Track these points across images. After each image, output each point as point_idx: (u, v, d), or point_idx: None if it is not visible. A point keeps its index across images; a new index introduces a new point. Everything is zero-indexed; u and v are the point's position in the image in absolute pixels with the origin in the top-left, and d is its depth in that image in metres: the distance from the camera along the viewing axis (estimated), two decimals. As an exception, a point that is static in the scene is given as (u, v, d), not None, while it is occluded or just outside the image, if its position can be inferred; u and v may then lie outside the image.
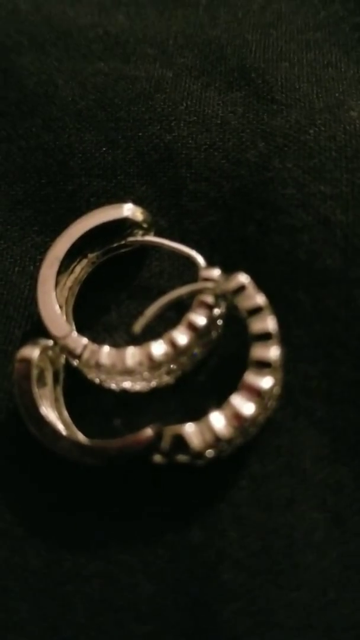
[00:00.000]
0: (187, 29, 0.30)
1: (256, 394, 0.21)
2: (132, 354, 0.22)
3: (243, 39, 0.29)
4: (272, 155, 0.25)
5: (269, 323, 0.22)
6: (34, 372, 0.22)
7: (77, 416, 0.23)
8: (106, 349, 0.22)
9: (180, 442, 0.21)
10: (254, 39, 0.29)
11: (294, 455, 0.21)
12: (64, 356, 0.23)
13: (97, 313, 0.24)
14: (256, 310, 0.22)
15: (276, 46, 0.29)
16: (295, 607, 0.20)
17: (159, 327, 0.23)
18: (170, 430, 0.21)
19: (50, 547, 0.22)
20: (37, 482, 0.22)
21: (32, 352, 0.22)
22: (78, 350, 0.23)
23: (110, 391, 0.23)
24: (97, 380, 0.23)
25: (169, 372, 0.23)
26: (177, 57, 0.29)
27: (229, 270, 0.23)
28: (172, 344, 0.22)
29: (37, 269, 0.24)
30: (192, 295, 0.23)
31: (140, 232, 0.25)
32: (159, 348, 0.22)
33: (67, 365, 0.23)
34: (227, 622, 0.20)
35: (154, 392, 0.23)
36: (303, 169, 0.25)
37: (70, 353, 0.23)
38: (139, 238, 0.25)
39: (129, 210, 0.24)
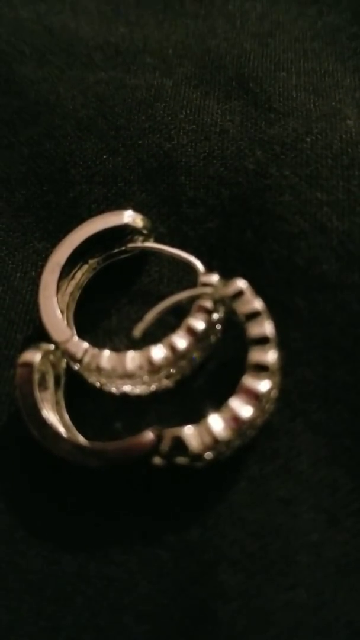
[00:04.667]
0: (186, 39, 0.30)
1: (254, 397, 0.21)
2: (132, 358, 0.22)
3: (241, 49, 0.29)
4: (270, 163, 0.25)
5: (267, 327, 0.22)
6: (36, 376, 0.22)
7: (78, 419, 0.23)
8: (106, 353, 0.23)
9: (179, 444, 0.21)
10: (252, 49, 0.29)
11: (291, 457, 0.22)
12: (65, 360, 0.23)
13: (97, 318, 0.25)
14: (254, 315, 0.22)
15: (274, 56, 0.29)
16: (291, 607, 0.20)
17: (159, 332, 0.23)
18: (169, 433, 0.21)
19: (51, 547, 0.22)
20: (38, 484, 0.22)
21: (34, 357, 0.22)
22: (79, 355, 0.23)
23: (110, 395, 0.23)
24: (97, 384, 0.23)
25: (168, 376, 0.23)
26: (176, 66, 0.29)
27: (227, 275, 0.23)
28: (172, 348, 0.22)
29: (39, 274, 0.24)
30: (191, 300, 0.23)
31: (140, 238, 0.25)
32: (158, 352, 0.22)
33: (68, 369, 0.23)
34: (225, 621, 0.20)
35: (153, 395, 0.23)
36: (300, 176, 0.25)
37: (71, 357, 0.23)
38: (139, 244, 0.25)
39: (129, 216, 0.25)
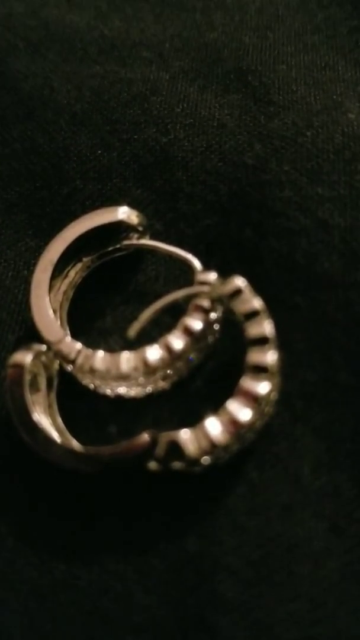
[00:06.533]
0: (183, 32, 0.30)
1: (253, 399, 0.21)
2: (127, 359, 0.22)
3: (240, 42, 0.29)
4: (269, 158, 0.25)
5: (266, 327, 0.22)
6: (27, 378, 0.22)
7: (71, 422, 0.22)
8: (100, 354, 0.22)
9: (175, 449, 0.21)
10: (251, 42, 0.29)
11: (292, 462, 0.21)
12: (58, 361, 0.23)
13: (91, 317, 0.24)
14: (253, 315, 0.22)
15: (273, 49, 0.29)
16: (293, 618, 0.20)
17: (155, 332, 0.23)
18: (165, 437, 0.21)
19: (43, 556, 0.21)
20: (29, 490, 0.22)
21: (25, 357, 0.22)
22: (72, 356, 0.22)
23: (104, 397, 0.23)
24: (91, 386, 0.23)
25: (164, 378, 0.22)
26: (173, 60, 0.29)
27: (225, 274, 0.23)
28: (168, 348, 0.22)
29: (31, 273, 0.24)
30: (188, 299, 0.23)
31: (136, 235, 0.25)
32: (154, 353, 0.22)
33: (61, 370, 0.23)
34: (224, 633, 0.20)
35: (149, 397, 0.23)
36: (300, 171, 0.25)
37: (64, 358, 0.22)
38: (134, 241, 0.25)
39: (124, 213, 0.24)
